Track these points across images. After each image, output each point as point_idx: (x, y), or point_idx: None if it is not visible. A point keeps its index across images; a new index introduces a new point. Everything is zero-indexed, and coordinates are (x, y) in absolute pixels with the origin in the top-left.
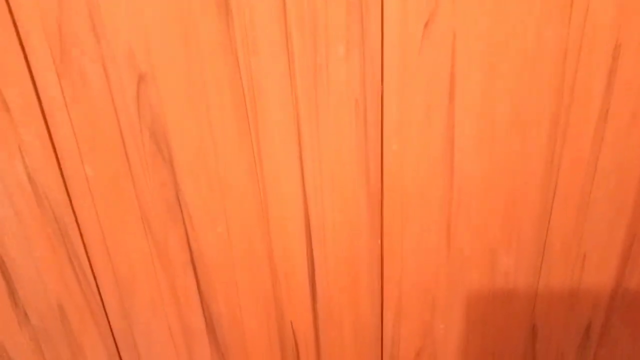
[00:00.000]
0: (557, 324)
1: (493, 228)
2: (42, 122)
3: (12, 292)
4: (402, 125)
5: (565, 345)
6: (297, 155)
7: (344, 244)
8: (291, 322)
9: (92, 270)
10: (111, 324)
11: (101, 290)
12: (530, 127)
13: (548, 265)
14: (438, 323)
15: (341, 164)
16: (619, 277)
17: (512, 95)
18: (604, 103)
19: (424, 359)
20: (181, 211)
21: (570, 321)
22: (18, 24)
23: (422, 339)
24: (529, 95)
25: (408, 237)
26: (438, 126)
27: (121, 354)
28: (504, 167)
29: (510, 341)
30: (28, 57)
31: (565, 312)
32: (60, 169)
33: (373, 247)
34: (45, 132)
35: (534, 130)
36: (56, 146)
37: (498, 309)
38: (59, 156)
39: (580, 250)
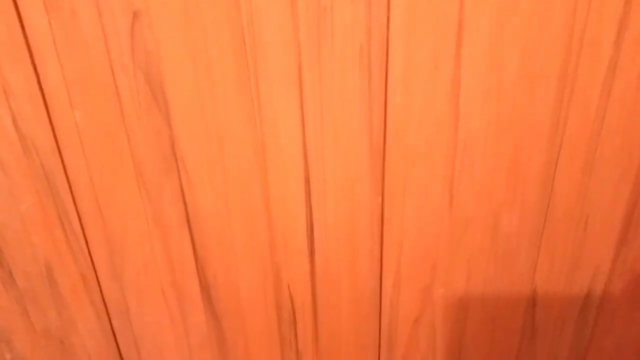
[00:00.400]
0: (557, 290)
1: (497, 187)
2: (30, 63)
3: None
4: (407, 75)
5: (565, 312)
6: (298, 104)
7: (344, 202)
8: (288, 285)
9: (81, 227)
10: (101, 285)
11: (91, 249)
12: (538, 81)
13: (551, 227)
14: (438, 287)
15: (344, 114)
16: (621, 242)
17: (521, 46)
18: (614, 55)
19: (423, 324)
20: (177, 164)
21: (570, 287)
22: None
23: (421, 303)
24: (537, 46)
25: (410, 195)
26: (444, 77)
27: (111, 317)
28: (510, 124)
29: (510, 307)
30: None
31: (566, 277)
32: (49, 114)
33: (374, 206)
34: (33, 73)
35: (542, 84)
36: (44, 89)
37: (499, 274)
38: (47, 100)
39: (583, 212)
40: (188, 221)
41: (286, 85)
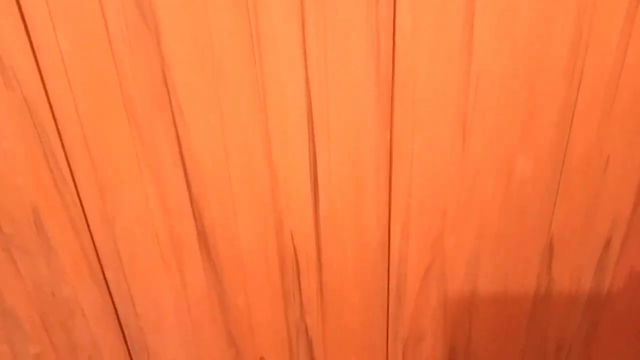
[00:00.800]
0: (575, 240)
1: (511, 128)
2: None
3: None
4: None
5: (582, 263)
6: (300, 32)
7: (350, 143)
8: (291, 234)
9: (69, 166)
10: (92, 231)
11: (80, 191)
12: (556, 12)
13: (568, 171)
14: (449, 236)
15: (349, 43)
16: None
17: None
18: None
19: (433, 276)
20: (169, 96)
21: (589, 237)
22: None
23: (431, 254)
24: None
25: (419, 137)
26: (457, 3)
27: (104, 267)
28: (526, 58)
29: (525, 258)
30: None
31: (584, 226)
32: (30, 40)
33: (381, 148)
34: None
35: (560, 15)
36: (24, 12)
37: (513, 222)
38: (28, 24)
39: (602, 156)
40: (182, 161)
41: (287, 11)
